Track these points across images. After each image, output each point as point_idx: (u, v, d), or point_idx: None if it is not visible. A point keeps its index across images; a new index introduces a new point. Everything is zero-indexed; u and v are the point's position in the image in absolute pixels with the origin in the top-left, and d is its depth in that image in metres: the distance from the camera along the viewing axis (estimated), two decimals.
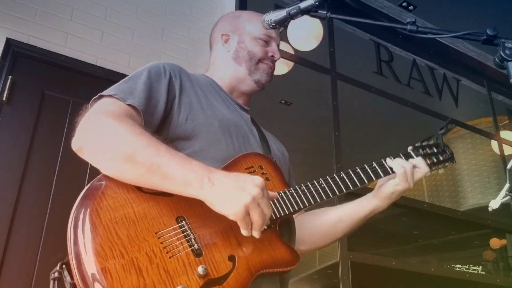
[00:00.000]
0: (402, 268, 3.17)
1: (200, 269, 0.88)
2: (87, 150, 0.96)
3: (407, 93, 3.81)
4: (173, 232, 0.91)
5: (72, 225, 0.87)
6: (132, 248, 0.86)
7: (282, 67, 3.48)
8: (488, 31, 1.00)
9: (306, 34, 3.31)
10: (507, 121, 4.80)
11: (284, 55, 3.34)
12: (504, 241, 4.44)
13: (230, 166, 1.07)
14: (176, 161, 0.91)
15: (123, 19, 2.73)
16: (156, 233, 0.90)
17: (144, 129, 0.99)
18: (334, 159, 3.04)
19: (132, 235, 0.87)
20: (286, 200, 1.05)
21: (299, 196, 1.07)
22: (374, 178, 1.17)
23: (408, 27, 1.07)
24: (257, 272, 0.95)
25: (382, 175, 1.18)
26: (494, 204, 1.33)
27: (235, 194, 0.87)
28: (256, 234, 0.90)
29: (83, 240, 0.84)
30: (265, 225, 0.91)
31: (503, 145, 4.29)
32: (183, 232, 0.92)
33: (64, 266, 0.88)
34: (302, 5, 1.15)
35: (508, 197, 1.31)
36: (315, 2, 1.13)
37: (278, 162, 1.24)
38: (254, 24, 1.33)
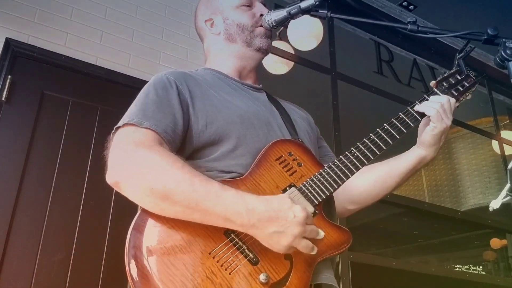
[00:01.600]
0: (402, 268, 3.16)
1: (262, 277, 0.89)
2: (124, 186, 0.95)
3: (408, 93, 3.81)
4: (226, 248, 0.92)
5: (130, 271, 0.87)
6: (192, 275, 0.87)
7: (282, 67, 3.47)
8: (489, 31, 1.00)
9: (306, 33, 3.29)
10: (508, 121, 4.80)
11: (284, 55, 3.34)
12: (504, 241, 4.43)
13: (261, 161, 1.05)
14: (212, 195, 0.89)
15: (123, 19, 2.72)
16: (209, 253, 0.90)
17: (173, 151, 0.97)
18: None
19: (188, 262, 0.88)
20: (324, 181, 1.03)
21: (336, 173, 1.04)
22: (405, 130, 1.11)
23: (409, 26, 1.07)
24: (315, 263, 0.96)
25: (412, 125, 1.13)
26: (495, 204, 1.33)
27: (277, 238, 0.88)
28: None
29: (146, 283, 0.85)
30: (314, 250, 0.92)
31: (504, 145, 4.29)
32: (234, 245, 0.92)
33: None
34: (303, 4, 1.15)
35: (508, 197, 1.31)
36: (315, 2, 1.13)
37: (307, 137, 1.22)
38: None
